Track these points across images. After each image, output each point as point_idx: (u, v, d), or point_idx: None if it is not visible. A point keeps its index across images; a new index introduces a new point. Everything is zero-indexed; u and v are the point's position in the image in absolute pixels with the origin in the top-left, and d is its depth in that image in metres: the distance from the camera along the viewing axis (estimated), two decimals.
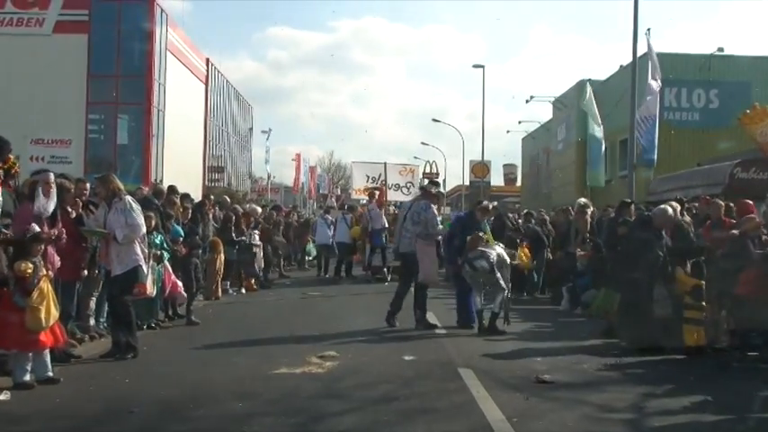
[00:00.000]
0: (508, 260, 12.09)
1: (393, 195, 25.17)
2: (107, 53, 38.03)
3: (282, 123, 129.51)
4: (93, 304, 10.32)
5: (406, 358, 9.21)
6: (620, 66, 36.16)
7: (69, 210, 9.26)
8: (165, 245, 11.67)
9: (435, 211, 12.24)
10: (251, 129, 72.08)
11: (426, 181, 39.28)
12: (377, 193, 22.29)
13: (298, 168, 65.71)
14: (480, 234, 11.91)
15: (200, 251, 14.65)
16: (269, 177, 66.51)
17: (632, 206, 13.96)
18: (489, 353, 9.75)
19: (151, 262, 11.20)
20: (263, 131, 67.69)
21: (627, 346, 10.27)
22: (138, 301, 10.98)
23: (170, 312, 12.69)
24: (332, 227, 23.18)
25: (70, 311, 9.10)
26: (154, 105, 38.93)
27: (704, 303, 10.03)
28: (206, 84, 52.49)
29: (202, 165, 51.68)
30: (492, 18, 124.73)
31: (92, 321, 10.35)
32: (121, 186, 9.40)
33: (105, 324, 10.71)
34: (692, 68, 31.61)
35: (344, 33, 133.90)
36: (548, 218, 19.03)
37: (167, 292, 12.09)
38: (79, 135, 37.90)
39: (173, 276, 12.15)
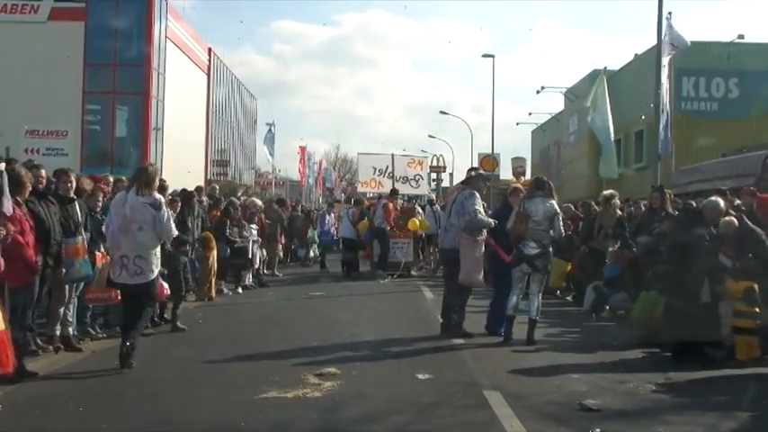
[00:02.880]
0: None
1: (401, 188, 23.85)
2: (104, 41, 36.73)
3: (287, 117, 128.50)
4: (62, 311, 9.00)
5: (421, 377, 7.77)
6: (635, 55, 35.02)
7: (20, 201, 7.87)
8: None
9: (479, 201, 10.49)
10: (255, 121, 70.87)
11: (434, 175, 38.04)
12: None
13: (302, 162, 64.47)
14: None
15: (190, 248, 13.48)
16: (273, 171, 65.24)
17: (665, 195, 12.56)
18: (517, 369, 8.32)
19: None
20: (268, 123, 66.42)
21: (672, 359, 8.98)
22: (112, 306, 9.89)
23: (155, 317, 11.35)
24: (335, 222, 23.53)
25: (25, 324, 7.70)
26: (152, 95, 37.65)
27: (757, 309, 8.71)
28: (208, 75, 51.17)
29: (204, 158, 50.43)
30: (497, 11, 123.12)
31: (58, 331, 9.03)
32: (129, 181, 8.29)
33: (75, 331, 9.46)
34: (711, 57, 30.34)
35: (349, 27, 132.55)
36: None
37: None
38: (76, 126, 36.64)
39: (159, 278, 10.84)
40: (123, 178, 13.74)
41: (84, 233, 9.07)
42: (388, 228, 19.76)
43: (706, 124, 29.32)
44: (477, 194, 10.51)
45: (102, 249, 9.75)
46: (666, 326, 9.40)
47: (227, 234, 15.29)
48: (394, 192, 21.07)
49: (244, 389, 7.20)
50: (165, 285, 10.96)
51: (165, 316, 11.38)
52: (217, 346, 9.55)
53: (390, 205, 20.08)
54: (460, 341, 10.05)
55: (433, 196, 26.41)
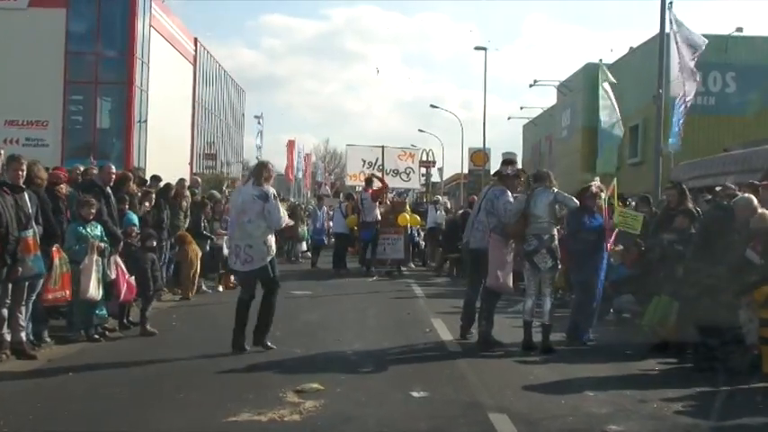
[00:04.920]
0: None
1: (391, 182, 22.94)
2: (86, 29, 35.70)
3: (276, 111, 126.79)
4: (5, 313, 8.00)
5: (415, 395, 6.80)
6: (630, 48, 34.17)
7: None
8: (104, 237, 9.45)
9: (510, 198, 9.71)
10: (243, 114, 69.84)
11: (423, 170, 36.98)
12: (375, 181, 19.76)
13: (291, 156, 63.51)
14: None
15: (166, 245, 12.64)
16: None
17: (684, 191, 11.56)
18: (525, 385, 7.36)
19: (95, 256, 9.16)
20: (256, 116, 65.36)
21: (692, 371, 8.16)
22: (78, 306, 9.21)
23: (126, 320, 10.39)
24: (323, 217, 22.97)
25: None
26: (136, 85, 36.56)
27: None
28: (194, 65, 50.01)
29: (190, 150, 49.33)
30: (486, 7, 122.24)
31: (7, 336, 8.04)
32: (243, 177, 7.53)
33: (31, 334, 8.57)
34: (708, 50, 29.45)
35: (338, 21, 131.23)
36: None
37: (122, 295, 9.87)
38: (56, 116, 35.52)
39: (126, 276, 9.90)
40: (93, 164, 12.96)
41: (35, 226, 8.11)
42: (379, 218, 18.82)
43: (703, 119, 28.49)
44: (509, 192, 9.72)
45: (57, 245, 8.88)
46: (685, 333, 8.57)
47: (203, 230, 14.43)
48: (368, 181, 19.77)
49: (211, 408, 6.24)
50: (134, 285, 10.09)
51: (131, 319, 10.41)
52: (187, 353, 8.56)
53: (370, 191, 19.10)
54: (458, 349, 9.16)
55: (439, 197, 25.55)
